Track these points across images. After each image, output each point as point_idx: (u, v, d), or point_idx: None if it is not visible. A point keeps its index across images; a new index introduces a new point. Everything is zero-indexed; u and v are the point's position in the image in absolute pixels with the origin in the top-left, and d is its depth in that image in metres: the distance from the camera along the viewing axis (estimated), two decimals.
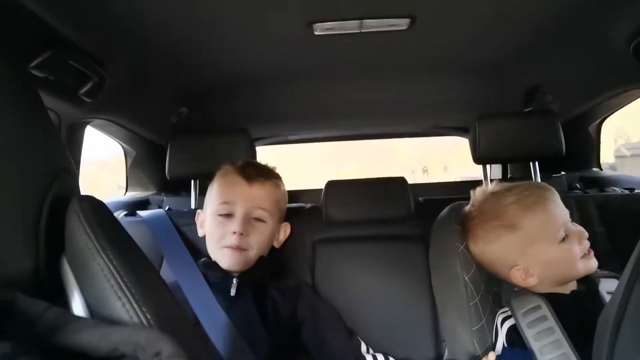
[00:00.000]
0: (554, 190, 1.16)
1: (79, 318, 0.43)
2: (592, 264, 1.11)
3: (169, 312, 0.52)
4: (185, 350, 0.40)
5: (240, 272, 1.32)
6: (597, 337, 0.68)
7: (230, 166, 1.41)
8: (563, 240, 1.09)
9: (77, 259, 0.50)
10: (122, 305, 0.46)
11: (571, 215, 1.25)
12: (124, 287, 0.47)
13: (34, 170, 0.49)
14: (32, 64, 1.04)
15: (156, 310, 0.47)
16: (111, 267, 0.47)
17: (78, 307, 0.50)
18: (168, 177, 1.67)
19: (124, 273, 0.47)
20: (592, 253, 1.12)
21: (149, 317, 0.46)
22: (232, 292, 1.29)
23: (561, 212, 1.13)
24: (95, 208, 0.52)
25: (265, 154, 2.71)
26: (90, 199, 0.53)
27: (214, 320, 1.22)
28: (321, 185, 1.65)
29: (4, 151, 0.45)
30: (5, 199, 0.45)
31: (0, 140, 0.45)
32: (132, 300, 0.46)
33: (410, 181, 1.65)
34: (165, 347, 0.39)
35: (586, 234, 1.13)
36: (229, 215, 1.32)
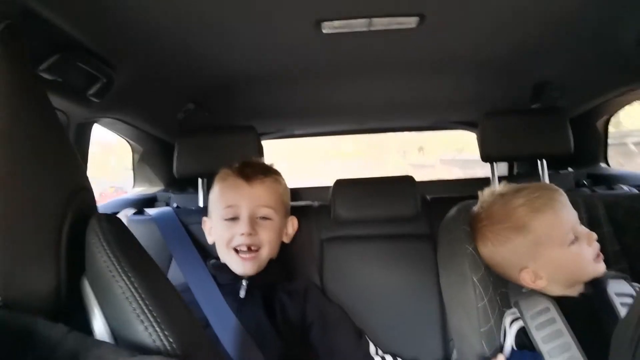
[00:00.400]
0: (562, 191, 1.15)
1: (99, 343, 0.43)
2: (601, 266, 1.11)
3: (191, 335, 0.51)
4: None
5: (251, 275, 1.32)
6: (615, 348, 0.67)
7: (227, 169, 1.41)
8: (572, 242, 1.09)
9: (98, 280, 0.50)
10: (144, 329, 0.46)
11: (579, 215, 1.25)
12: (146, 311, 0.46)
13: (53, 190, 0.49)
14: (41, 67, 1.04)
15: (178, 333, 0.46)
16: (133, 290, 0.47)
17: (99, 325, 0.50)
18: (176, 176, 1.67)
19: (145, 296, 0.47)
20: (602, 256, 1.12)
21: (171, 340, 0.45)
22: (242, 294, 1.29)
23: (570, 214, 1.13)
24: (114, 227, 0.52)
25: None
26: (108, 218, 0.53)
27: (223, 322, 1.23)
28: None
29: (23, 172, 0.45)
30: (26, 220, 0.45)
31: (18, 161, 0.45)
32: (154, 323, 0.46)
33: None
34: None
35: (595, 236, 1.12)
36: (234, 219, 1.32)
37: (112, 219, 0.54)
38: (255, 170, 1.39)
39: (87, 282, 0.51)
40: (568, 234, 1.09)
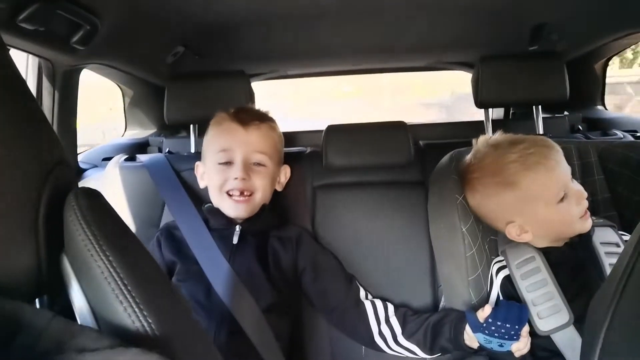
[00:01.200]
0: (557, 147, 1.13)
1: (82, 330, 0.44)
2: (587, 224, 1.11)
3: (173, 316, 0.52)
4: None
5: (244, 219, 1.34)
6: (596, 304, 0.69)
7: (223, 113, 1.39)
8: (561, 200, 1.09)
9: (77, 259, 0.49)
10: (123, 309, 0.46)
11: (572, 162, 1.25)
12: (125, 291, 0.46)
13: (29, 167, 0.48)
14: (21, 17, 1.00)
15: (159, 315, 0.47)
16: (111, 270, 0.47)
17: (80, 303, 0.50)
18: (167, 123, 1.65)
19: (124, 276, 0.47)
20: (589, 214, 1.12)
21: (150, 321, 0.46)
22: (235, 240, 1.31)
23: (563, 171, 1.11)
24: (93, 203, 0.51)
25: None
26: (86, 193, 0.52)
27: (216, 268, 1.25)
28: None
29: None
30: (1, 199, 0.45)
31: None
32: (133, 304, 0.46)
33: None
34: None
35: (585, 194, 1.12)
36: (228, 163, 1.32)
37: (90, 193, 0.52)
38: (252, 116, 1.37)
39: (66, 260, 0.52)
40: (558, 193, 1.09)
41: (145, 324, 0.46)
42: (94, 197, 0.52)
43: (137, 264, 0.50)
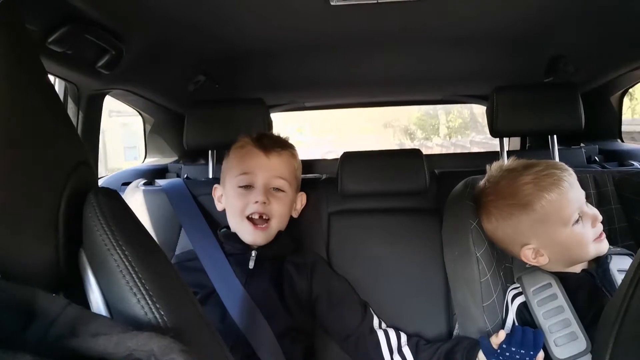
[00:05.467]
0: (571, 171, 1.14)
1: (96, 317, 0.45)
2: (603, 247, 1.11)
3: (183, 310, 0.53)
4: (196, 353, 0.42)
5: (260, 245, 1.34)
6: (604, 319, 0.68)
7: (246, 138, 1.42)
8: (577, 222, 1.09)
9: (94, 253, 0.51)
10: (137, 301, 0.47)
11: (588, 192, 1.24)
12: (139, 284, 0.48)
13: (52, 165, 0.50)
14: (50, 40, 1.05)
15: (170, 307, 0.48)
16: (127, 264, 0.49)
17: (95, 297, 0.52)
18: (186, 148, 1.69)
19: (139, 269, 0.48)
20: (604, 236, 1.12)
21: (162, 313, 0.47)
22: (251, 265, 1.31)
23: (577, 194, 1.11)
24: (112, 202, 0.53)
25: None
26: (106, 192, 0.54)
27: (231, 292, 1.25)
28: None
29: (22, 146, 0.46)
30: (25, 194, 0.47)
31: (17, 135, 0.46)
32: (147, 297, 0.48)
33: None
34: (177, 358, 0.40)
35: (600, 217, 1.12)
36: (249, 187, 1.34)
37: (109, 193, 0.55)
38: (274, 142, 1.40)
39: (84, 255, 0.53)
40: (573, 215, 1.08)
41: (157, 315, 0.47)
42: (113, 196, 0.54)
43: (151, 258, 0.52)
